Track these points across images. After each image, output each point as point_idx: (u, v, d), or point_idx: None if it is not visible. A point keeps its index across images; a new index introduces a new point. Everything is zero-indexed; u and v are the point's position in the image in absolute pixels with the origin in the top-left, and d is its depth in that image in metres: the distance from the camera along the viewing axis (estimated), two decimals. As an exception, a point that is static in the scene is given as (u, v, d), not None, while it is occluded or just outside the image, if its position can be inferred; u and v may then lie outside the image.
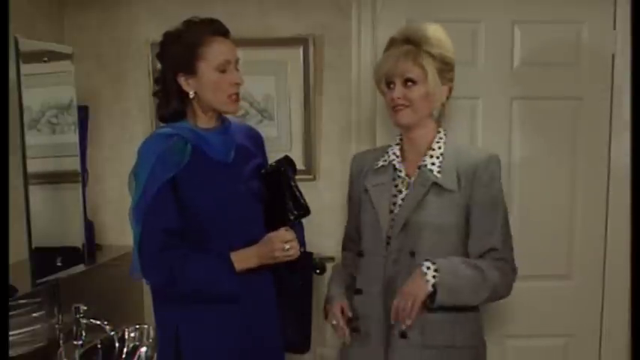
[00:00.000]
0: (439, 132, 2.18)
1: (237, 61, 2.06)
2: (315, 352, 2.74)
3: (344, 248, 2.40)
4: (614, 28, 2.75)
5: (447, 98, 2.18)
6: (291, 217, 2.14)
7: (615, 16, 2.75)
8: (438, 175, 2.09)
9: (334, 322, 2.13)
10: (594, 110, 2.79)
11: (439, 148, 2.15)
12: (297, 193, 2.15)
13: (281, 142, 2.83)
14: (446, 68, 2.11)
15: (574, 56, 2.78)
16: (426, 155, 2.14)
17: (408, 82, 2.08)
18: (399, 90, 2.09)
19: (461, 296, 2.03)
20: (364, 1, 2.78)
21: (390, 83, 2.12)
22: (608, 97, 2.78)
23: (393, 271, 2.09)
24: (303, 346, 2.28)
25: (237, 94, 2.05)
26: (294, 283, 2.20)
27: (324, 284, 2.80)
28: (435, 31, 2.11)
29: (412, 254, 2.06)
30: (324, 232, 2.75)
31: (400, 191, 2.15)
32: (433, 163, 2.12)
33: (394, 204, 2.13)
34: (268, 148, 2.31)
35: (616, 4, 2.74)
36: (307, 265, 2.26)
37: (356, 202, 2.26)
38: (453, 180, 2.09)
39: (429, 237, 2.07)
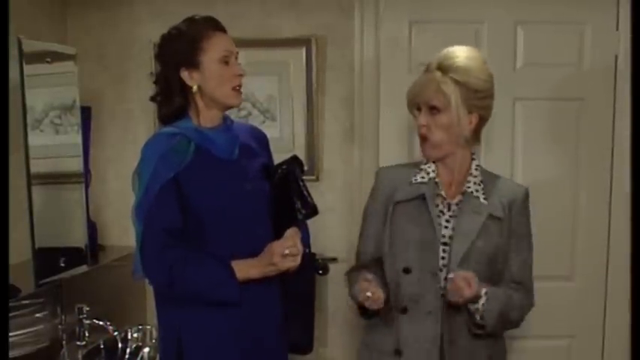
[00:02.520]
0: (474, 158, 2.18)
1: (237, 54, 2.07)
2: (318, 352, 2.74)
3: (357, 267, 2.24)
4: (617, 29, 2.75)
5: (481, 126, 2.15)
6: (300, 217, 2.14)
7: (618, 17, 2.75)
8: (485, 202, 2.11)
9: (368, 294, 2.00)
10: (597, 111, 2.79)
11: (478, 174, 2.16)
12: (305, 192, 2.16)
13: (283, 142, 2.82)
14: (474, 96, 2.07)
15: (577, 57, 2.78)
16: (468, 181, 2.14)
17: (432, 109, 2.08)
18: (423, 117, 2.10)
19: (507, 317, 2.10)
20: (367, 2, 2.78)
21: (419, 109, 2.12)
22: (610, 98, 2.78)
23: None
24: (306, 346, 2.28)
25: (239, 85, 2.06)
26: (297, 284, 2.20)
27: (326, 285, 2.82)
28: (464, 56, 2.09)
29: None
30: (326, 233, 2.75)
31: (442, 212, 2.12)
32: (477, 190, 2.13)
33: (439, 224, 2.11)
34: (270, 148, 2.31)
35: (619, 5, 2.74)
36: (310, 266, 2.25)
37: (381, 217, 2.18)
38: (499, 208, 2.12)
39: (484, 264, 2.09)
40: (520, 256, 2.16)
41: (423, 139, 2.12)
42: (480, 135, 2.18)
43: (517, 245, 2.16)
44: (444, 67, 2.07)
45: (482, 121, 2.14)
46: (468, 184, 2.13)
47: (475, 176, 2.15)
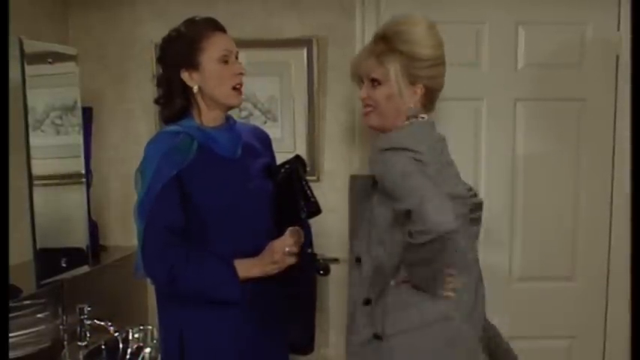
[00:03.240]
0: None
1: (237, 53, 2.07)
2: (319, 352, 2.74)
3: None
4: (618, 30, 2.75)
5: (430, 96, 2.07)
6: (303, 216, 2.14)
7: (619, 18, 2.75)
8: None
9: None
10: (598, 111, 2.79)
11: None
12: (309, 191, 2.16)
13: (285, 143, 2.82)
14: (414, 65, 1.99)
15: (578, 57, 2.79)
16: None
17: (373, 81, 2.04)
18: (364, 89, 2.06)
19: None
20: (368, 2, 2.79)
21: (362, 81, 2.09)
22: (612, 98, 2.78)
23: None
24: (307, 346, 2.28)
25: (240, 84, 2.06)
26: (298, 285, 2.20)
27: (328, 285, 2.82)
28: (411, 24, 2.03)
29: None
30: (328, 232, 2.75)
31: None
32: None
33: None
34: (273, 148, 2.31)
35: (620, 5, 2.74)
36: (311, 266, 2.25)
37: None
38: None
39: None
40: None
41: (366, 112, 2.08)
42: (434, 104, 2.11)
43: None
44: (388, 37, 2.02)
45: (432, 91, 2.06)
46: None
47: None
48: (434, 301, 1.98)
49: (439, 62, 2.05)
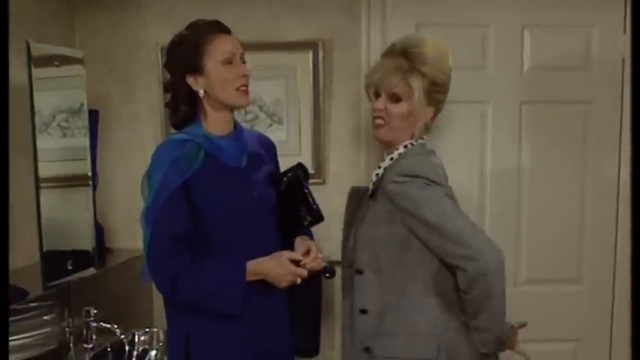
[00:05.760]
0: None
1: (242, 54, 2.06)
2: (325, 355, 2.73)
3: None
4: (624, 32, 2.75)
5: (433, 119, 2.11)
6: (305, 223, 2.14)
7: (625, 20, 2.74)
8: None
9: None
10: (604, 114, 2.79)
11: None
12: (311, 199, 2.16)
13: (290, 146, 2.83)
14: (435, 89, 2.04)
15: (584, 60, 2.78)
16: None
17: (392, 97, 2.04)
18: (382, 102, 2.06)
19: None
20: (373, 6, 2.79)
21: (377, 93, 2.10)
22: (618, 101, 2.77)
23: None
24: (313, 349, 2.28)
25: (246, 85, 2.05)
26: (303, 287, 2.20)
27: (333, 288, 2.81)
28: (433, 48, 2.05)
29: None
30: (332, 235, 2.74)
31: None
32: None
33: None
34: (277, 151, 2.31)
35: (626, 7, 2.73)
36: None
37: None
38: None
39: None
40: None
41: (378, 124, 2.08)
42: (431, 127, 2.14)
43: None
44: (411, 55, 2.02)
45: (436, 114, 2.11)
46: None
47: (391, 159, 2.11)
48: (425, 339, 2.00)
49: (448, 89, 2.09)
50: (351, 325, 2.09)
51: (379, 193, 2.04)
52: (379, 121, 2.07)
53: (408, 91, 2.02)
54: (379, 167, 2.11)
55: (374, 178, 2.11)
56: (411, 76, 2.01)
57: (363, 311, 2.06)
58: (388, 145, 2.12)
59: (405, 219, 1.97)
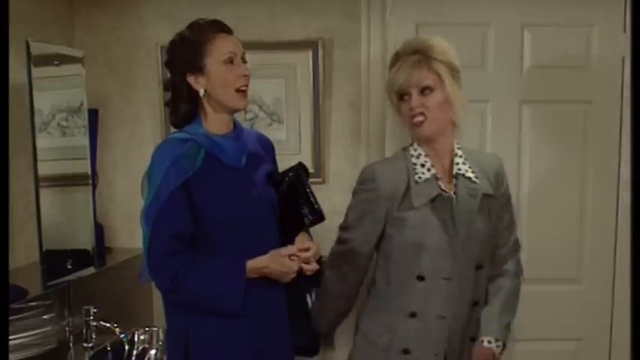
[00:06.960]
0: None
1: (243, 54, 2.06)
2: (325, 354, 2.73)
3: (346, 275, 2.25)
4: (624, 31, 2.74)
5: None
6: (306, 222, 2.15)
7: (625, 19, 2.73)
8: (477, 181, 2.12)
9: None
10: (604, 113, 2.78)
11: (461, 154, 2.17)
12: (312, 198, 2.17)
13: (290, 145, 2.83)
14: (455, 74, 2.10)
15: (584, 59, 2.78)
16: (457, 162, 2.15)
17: (424, 90, 2.07)
18: (416, 99, 2.07)
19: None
20: (373, 5, 2.78)
21: (403, 95, 2.10)
22: (618, 100, 2.77)
23: (458, 290, 2.10)
24: (312, 349, 2.28)
25: (245, 86, 2.06)
26: (302, 286, 2.20)
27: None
28: (438, 40, 2.11)
29: (479, 267, 2.13)
30: (333, 235, 2.74)
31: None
32: (467, 170, 2.13)
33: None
34: (277, 151, 2.32)
35: (626, 6, 2.73)
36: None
37: (380, 219, 2.16)
38: (487, 185, 2.16)
39: (486, 244, 2.15)
40: (507, 218, 2.27)
41: (419, 121, 2.09)
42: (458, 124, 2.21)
43: (507, 216, 2.25)
44: (425, 50, 2.08)
45: None
46: (458, 166, 2.14)
47: (460, 156, 2.16)
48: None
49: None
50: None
51: (487, 188, 2.17)
52: (420, 118, 2.09)
53: (437, 80, 2.07)
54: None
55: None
56: (435, 64, 2.06)
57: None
58: (431, 140, 2.14)
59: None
